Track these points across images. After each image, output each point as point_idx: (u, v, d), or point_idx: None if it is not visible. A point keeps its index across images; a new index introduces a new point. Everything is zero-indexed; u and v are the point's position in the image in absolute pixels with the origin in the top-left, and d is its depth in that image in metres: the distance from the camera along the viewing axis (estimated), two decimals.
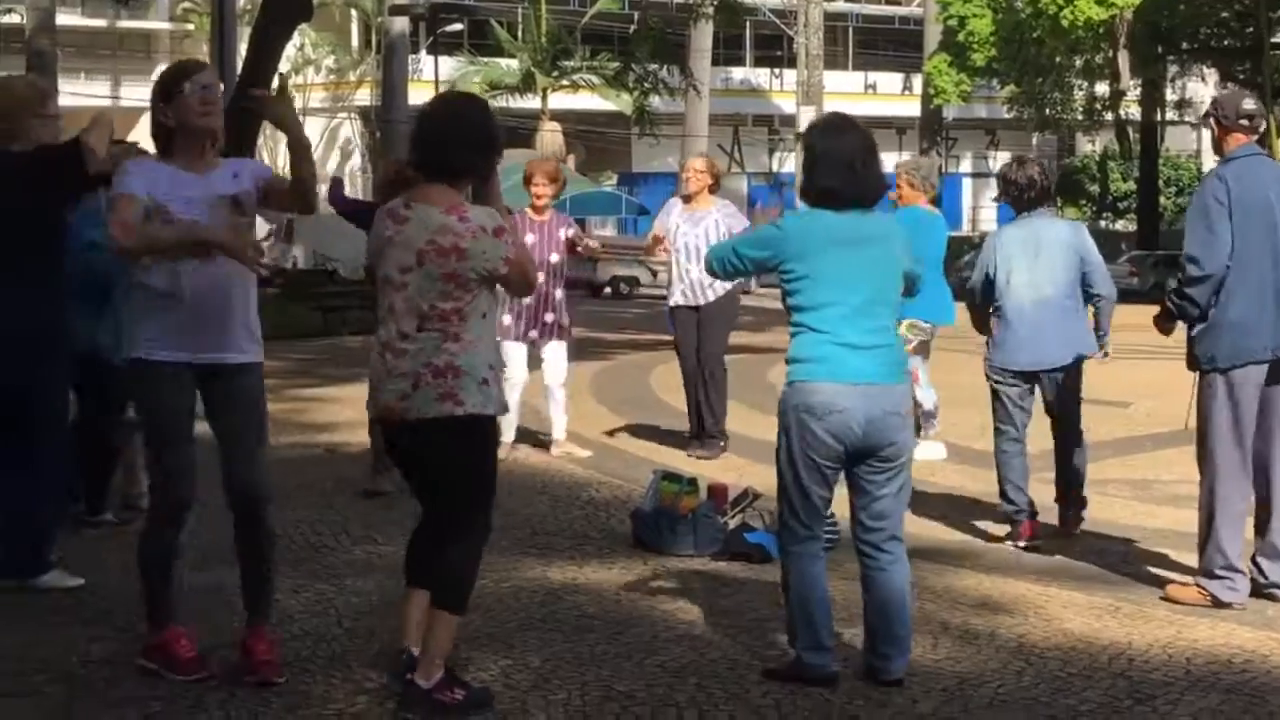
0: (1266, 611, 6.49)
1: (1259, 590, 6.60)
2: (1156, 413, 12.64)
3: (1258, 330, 6.46)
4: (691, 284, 10.39)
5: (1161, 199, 48.95)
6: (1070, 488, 8.02)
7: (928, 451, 10.31)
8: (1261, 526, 6.67)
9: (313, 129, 50.66)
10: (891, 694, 5.28)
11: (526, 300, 9.76)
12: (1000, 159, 57.47)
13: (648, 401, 13.48)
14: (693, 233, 10.37)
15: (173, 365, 5.17)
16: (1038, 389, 7.88)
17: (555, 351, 10.31)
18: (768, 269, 5.50)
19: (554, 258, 10.12)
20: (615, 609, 6.38)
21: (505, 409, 5.21)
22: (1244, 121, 6.59)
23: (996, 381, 7.86)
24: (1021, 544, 7.73)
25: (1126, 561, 7.44)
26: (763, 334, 18.81)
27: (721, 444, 10.51)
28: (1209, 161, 58.14)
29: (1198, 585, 6.59)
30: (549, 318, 10.20)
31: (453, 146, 4.97)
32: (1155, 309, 6.90)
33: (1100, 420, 12.65)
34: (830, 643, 5.40)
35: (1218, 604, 6.47)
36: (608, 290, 38.30)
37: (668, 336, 11.26)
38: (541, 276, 9.69)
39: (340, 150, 51.64)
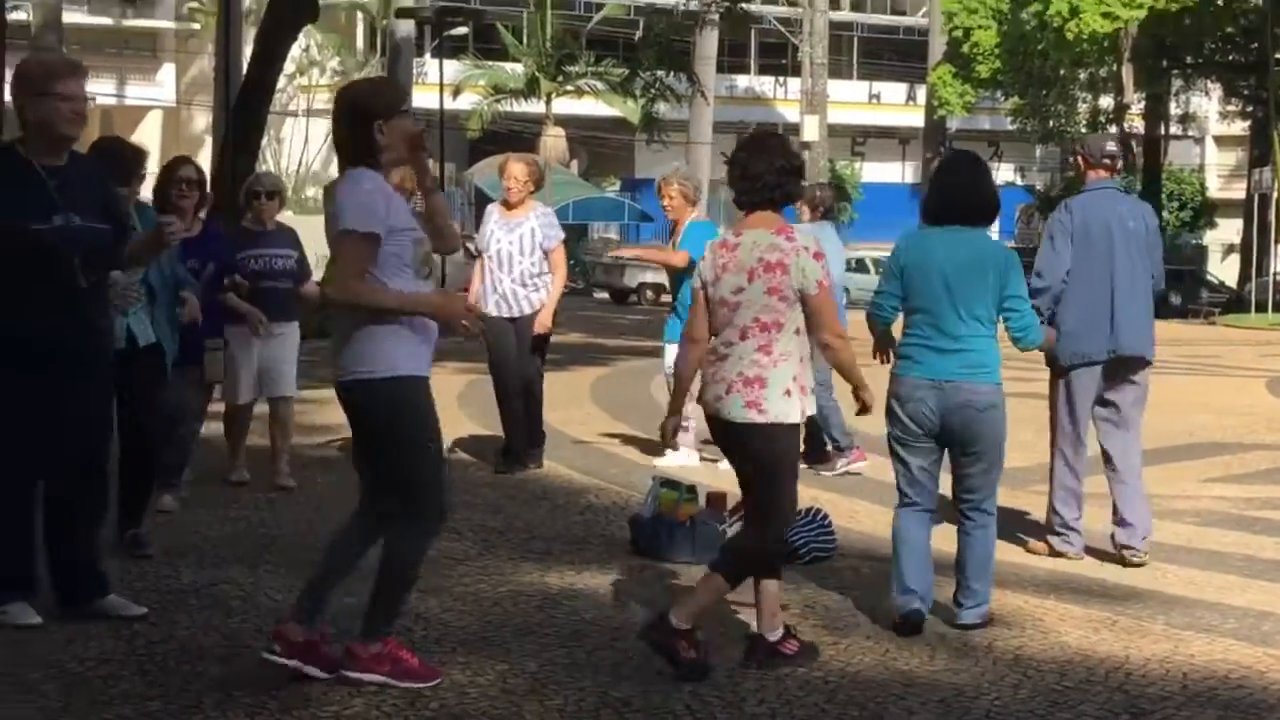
0: (1262, 627, 6.50)
1: None
2: None
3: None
4: (505, 294, 9.89)
5: (1164, 213, 48.90)
6: None
7: (678, 458, 9.84)
8: None
9: (316, 131, 50.73)
10: (888, 704, 5.28)
11: None
12: (1004, 171, 57.56)
13: (647, 407, 13.47)
14: (507, 240, 9.87)
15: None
16: None
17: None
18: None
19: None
20: (613, 615, 6.38)
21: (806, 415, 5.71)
22: (1106, 160, 7.61)
23: None
24: None
25: (1125, 575, 7.44)
26: None
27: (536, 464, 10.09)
28: (1212, 178, 58.38)
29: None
30: None
31: (773, 178, 5.65)
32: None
33: None
34: (915, 586, 6.21)
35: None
36: (633, 298, 37.62)
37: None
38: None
39: None
